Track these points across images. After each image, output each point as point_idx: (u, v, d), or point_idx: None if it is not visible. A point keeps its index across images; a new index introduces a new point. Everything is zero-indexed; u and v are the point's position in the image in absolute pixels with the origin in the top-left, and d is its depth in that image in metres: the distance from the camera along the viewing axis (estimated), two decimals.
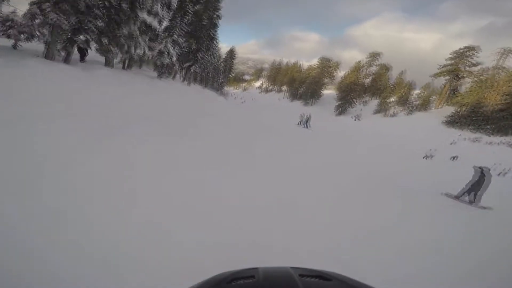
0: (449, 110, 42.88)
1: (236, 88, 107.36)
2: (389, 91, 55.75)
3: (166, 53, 16.12)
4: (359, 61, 55.44)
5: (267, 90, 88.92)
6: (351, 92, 50.66)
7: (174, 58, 16.79)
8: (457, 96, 43.38)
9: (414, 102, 51.11)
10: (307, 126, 20.91)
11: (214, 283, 0.46)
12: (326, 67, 62.28)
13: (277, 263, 0.61)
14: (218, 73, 37.65)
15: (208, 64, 29.30)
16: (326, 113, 49.18)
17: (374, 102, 55.63)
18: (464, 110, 39.43)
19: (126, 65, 16.73)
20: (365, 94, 55.17)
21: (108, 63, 14.62)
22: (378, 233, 3.58)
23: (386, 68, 64.48)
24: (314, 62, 70.86)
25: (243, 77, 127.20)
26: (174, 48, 17.37)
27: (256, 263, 0.63)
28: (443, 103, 46.75)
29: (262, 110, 36.38)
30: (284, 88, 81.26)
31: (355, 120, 46.23)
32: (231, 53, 43.52)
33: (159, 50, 16.12)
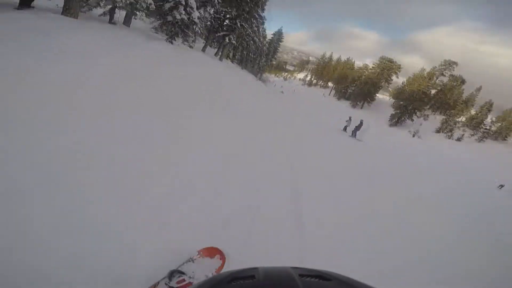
0: None
1: (277, 76, 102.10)
2: (461, 109, 45.63)
3: (183, 5, 10.93)
4: (434, 67, 45.45)
5: (310, 84, 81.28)
6: (415, 102, 41.74)
7: (196, 14, 11.52)
8: None
9: (488, 127, 41.04)
10: (355, 135, 15.23)
11: (214, 283, 0.46)
12: (387, 68, 53.07)
13: None
14: (260, 55, 32.23)
15: (250, 40, 23.98)
16: (378, 120, 41.49)
17: (436, 118, 46.16)
18: None
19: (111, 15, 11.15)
20: (427, 107, 45.77)
21: (68, 10, 8.01)
22: None
23: (460, 80, 53.50)
24: (367, 62, 62.04)
25: (286, 67, 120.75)
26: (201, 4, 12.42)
27: None
28: None
29: (303, 104, 30.66)
30: (331, 84, 73.33)
31: (413, 136, 37.94)
32: (279, 35, 37.39)
33: None
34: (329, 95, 63.90)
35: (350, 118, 17.19)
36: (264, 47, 32.95)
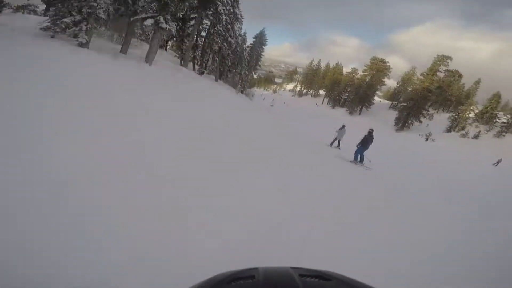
0: None
1: (266, 89, 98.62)
2: (469, 104, 41.22)
3: None
4: (437, 61, 41.40)
5: (301, 94, 77.19)
6: (420, 100, 37.09)
7: None
8: None
9: (506, 121, 36.43)
10: (359, 158, 9.15)
11: (214, 283, 0.46)
12: (380, 69, 49.13)
13: None
14: (240, 62, 27.30)
15: (222, 41, 18.96)
16: (382, 126, 36.60)
17: (440, 117, 41.65)
18: None
19: None
20: (429, 104, 41.36)
21: None
22: None
23: (458, 75, 49.83)
24: (353, 67, 58.68)
25: (274, 80, 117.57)
26: None
27: None
28: None
29: (294, 119, 25.53)
30: (322, 92, 69.27)
31: (426, 140, 32.86)
32: (261, 37, 32.47)
33: None
34: (322, 103, 59.49)
35: (343, 126, 11.98)
36: (244, 52, 28.09)
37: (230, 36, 20.22)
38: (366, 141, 8.80)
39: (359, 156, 8.78)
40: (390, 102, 52.51)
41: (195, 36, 17.81)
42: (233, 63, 25.09)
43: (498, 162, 21.50)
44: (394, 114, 44.65)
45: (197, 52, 19.06)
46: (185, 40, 17.37)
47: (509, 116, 37.22)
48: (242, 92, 28.53)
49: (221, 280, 0.46)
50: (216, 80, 21.55)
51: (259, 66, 33.42)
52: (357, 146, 8.88)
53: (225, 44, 19.71)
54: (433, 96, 38.09)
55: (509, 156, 23.54)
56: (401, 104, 40.87)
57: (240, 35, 25.75)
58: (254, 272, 0.48)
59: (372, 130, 9.13)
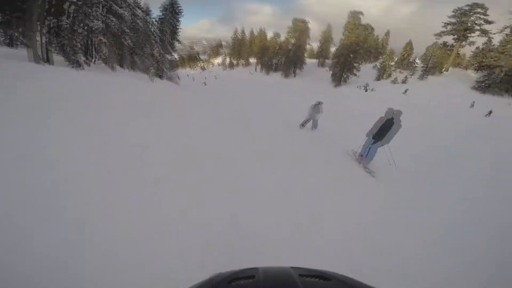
0: (461, 73, 34.51)
1: (193, 68, 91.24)
2: (391, 53, 43.45)
3: None
4: (351, 16, 41.65)
5: (232, 65, 72.40)
6: (352, 55, 37.11)
7: None
8: (484, 56, 32.84)
9: (417, 65, 39.65)
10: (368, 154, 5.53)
11: (214, 283, 0.46)
12: (303, 29, 47.74)
13: None
14: (148, 39, 21.39)
15: (106, 13, 13.28)
16: (320, 84, 35.97)
17: (365, 68, 43.29)
18: (502, 73, 28.78)
19: None
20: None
21: None
22: None
23: (371, 27, 52.06)
24: (271, 33, 57.48)
25: (199, 57, 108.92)
26: None
27: None
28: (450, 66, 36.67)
29: (233, 94, 22.14)
30: (253, 60, 65.91)
31: (366, 90, 33.32)
32: (172, 7, 26.09)
33: None
34: (255, 71, 56.42)
35: (319, 103, 8.46)
36: (151, 27, 22.18)
37: (118, 5, 14.52)
38: (384, 130, 5.15)
39: (368, 152, 5.33)
40: (317, 61, 52.36)
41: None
42: (136, 42, 19.23)
43: (490, 113, 21.31)
44: (324, 71, 44.70)
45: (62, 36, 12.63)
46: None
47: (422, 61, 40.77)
48: (160, 77, 22.98)
49: (221, 280, 0.45)
50: (112, 69, 15.81)
51: (178, 42, 27.44)
52: (368, 136, 5.48)
53: (112, 17, 14.05)
54: (361, 49, 38.38)
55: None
56: (333, 60, 40.50)
57: (138, 6, 19.64)
58: (254, 272, 0.47)
59: (395, 113, 5.11)
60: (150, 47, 22.33)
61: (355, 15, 43.70)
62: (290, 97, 21.70)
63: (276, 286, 0.43)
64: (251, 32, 69.94)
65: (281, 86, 34.81)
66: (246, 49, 68.26)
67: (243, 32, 70.78)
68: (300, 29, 47.87)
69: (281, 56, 48.23)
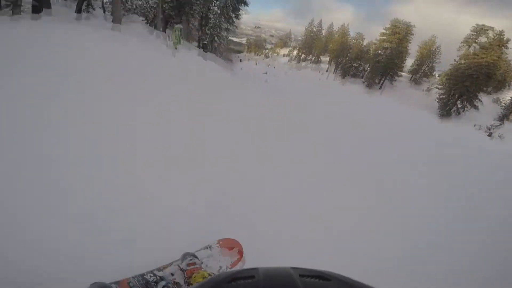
0: None
1: (257, 54, 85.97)
2: None
3: None
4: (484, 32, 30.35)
5: (299, 59, 64.35)
6: (482, 79, 26.37)
7: None
8: None
9: None
10: None
11: (214, 283, 0.46)
12: (408, 34, 37.41)
13: None
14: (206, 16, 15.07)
15: None
16: (416, 111, 26.65)
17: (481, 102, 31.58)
18: None
19: None
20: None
21: None
22: None
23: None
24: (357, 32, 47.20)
25: (266, 45, 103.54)
26: None
27: None
28: None
29: (296, 106, 15.58)
30: (325, 59, 56.86)
31: (489, 135, 23.04)
32: None
33: None
34: (326, 72, 47.71)
35: None
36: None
37: None
38: None
39: None
40: (408, 77, 41.28)
41: None
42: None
43: None
44: (420, 93, 34.28)
45: None
46: None
47: None
48: (204, 48, 16.71)
49: (221, 280, 0.45)
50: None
51: (238, 16, 20.70)
52: None
53: None
54: (499, 72, 27.19)
55: None
56: (445, 81, 29.78)
57: None
58: (254, 272, 0.47)
59: None
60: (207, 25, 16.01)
61: (480, 31, 31.91)
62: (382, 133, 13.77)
63: (276, 286, 0.42)
64: (330, 27, 60.42)
65: (363, 103, 26.37)
66: (319, 44, 59.30)
67: (319, 24, 61.50)
68: (401, 32, 37.69)
69: (365, 61, 38.77)
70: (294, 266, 0.49)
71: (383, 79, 34.10)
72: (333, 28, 60.30)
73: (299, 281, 0.42)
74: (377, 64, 33.66)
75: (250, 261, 2.27)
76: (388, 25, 42.27)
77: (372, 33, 43.97)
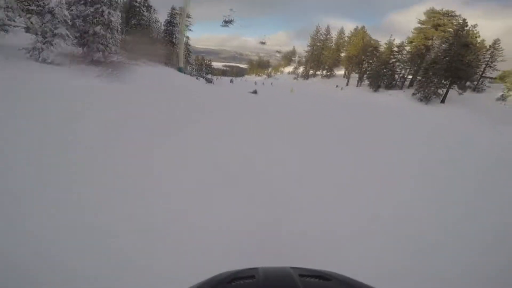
0: None
1: (258, 75, 77.19)
2: None
3: None
4: None
5: (307, 75, 53.39)
6: None
7: None
8: None
9: None
10: None
11: (215, 283, 0.46)
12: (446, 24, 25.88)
13: None
14: None
15: None
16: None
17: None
18: None
19: None
20: None
21: None
22: None
23: None
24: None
25: (269, 64, 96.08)
26: None
27: None
28: None
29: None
30: (339, 72, 45.58)
31: None
32: None
33: None
34: (346, 86, 35.91)
35: None
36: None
37: None
38: None
39: None
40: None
41: None
42: None
43: None
44: (491, 104, 21.55)
45: None
46: None
47: None
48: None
49: (221, 280, 0.45)
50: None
51: None
52: None
53: None
54: None
55: None
56: None
57: None
58: (254, 272, 0.47)
59: None
60: None
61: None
62: None
63: (276, 286, 0.42)
64: (340, 32, 49.72)
65: (436, 132, 13.80)
66: (331, 54, 48.30)
67: (327, 31, 50.90)
68: (446, 24, 26.04)
69: (412, 65, 26.86)
70: (294, 266, 0.48)
71: (447, 87, 21.50)
72: (344, 33, 50.09)
73: (299, 281, 0.41)
74: (434, 66, 21.22)
75: None
76: (423, 18, 31.19)
77: None
